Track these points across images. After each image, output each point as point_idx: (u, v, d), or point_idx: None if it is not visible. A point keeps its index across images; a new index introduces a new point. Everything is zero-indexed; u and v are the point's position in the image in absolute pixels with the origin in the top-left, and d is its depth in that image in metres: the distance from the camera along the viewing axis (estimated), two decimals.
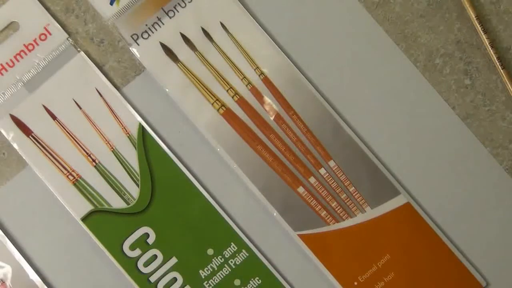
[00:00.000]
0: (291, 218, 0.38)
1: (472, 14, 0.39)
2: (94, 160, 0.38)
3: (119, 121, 0.38)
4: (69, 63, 0.38)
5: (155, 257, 0.37)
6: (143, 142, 0.38)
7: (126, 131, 0.38)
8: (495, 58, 0.39)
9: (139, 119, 0.38)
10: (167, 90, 0.38)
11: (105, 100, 0.38)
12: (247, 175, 0.38)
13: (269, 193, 0.38)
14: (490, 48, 0.39)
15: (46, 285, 0.37)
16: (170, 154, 0.38)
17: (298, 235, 0.38)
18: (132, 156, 0.38)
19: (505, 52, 0.40)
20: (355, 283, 0.38)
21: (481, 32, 0.39)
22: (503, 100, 0.40)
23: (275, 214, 0.38)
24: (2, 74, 0.38)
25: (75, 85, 0.38)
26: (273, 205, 0.38)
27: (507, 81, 0.39)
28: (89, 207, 0.37)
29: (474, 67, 0.40)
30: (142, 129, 0.38)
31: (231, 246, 0.38)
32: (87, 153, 0.38)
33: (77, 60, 0.38)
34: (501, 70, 0.39)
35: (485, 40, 0.39)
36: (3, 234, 0.37)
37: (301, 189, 0.38)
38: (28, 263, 0.37)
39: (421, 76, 0.40)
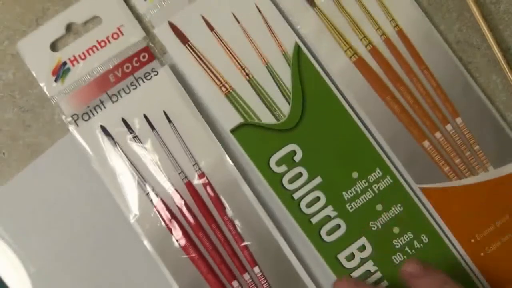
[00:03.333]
0: (414, 171, 0.38)
1: (476, 12, 0.39)
2: (247, 74, 0.38)
3: (276, 39, 0.38)
4: None
5: (300, 174, 0.37)
6: (298, 61, 0.38)
7: (282, 49, 0.38)
8: (500, 55, 0.39)
9: (296, 38, 0.38)
10: (301, 30, 0.39)
11: (264, 17, 0.38)
12: (374, 124, 0.38)
13: (395, 145, 0.38)
14: (495, 46, 0.39)
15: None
16: (324, 76, 0.38)
17: (419, 187, 0.38)
18: (285, 74, 0.38)
19: (505, 52, 0.40)
20: (472, 240, 0.38)
21: (486, 29, 0.39)
22: (503, 100, 0.40)
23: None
24: None
25: None
26: (398, 156, 0.38)
27: (511, 78, 0.39)
28: (239, 119, 0.37)
29: (474, 67, 0.40)
30: (298, 48, 0.38)
31: (376, 171, 0.38)
32: (241, 67, 0.38)
33: None
34: (505, 66, 0.39)
35: (490, 38, 0.39)
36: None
37: (426, 143, 0.39)
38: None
39: None
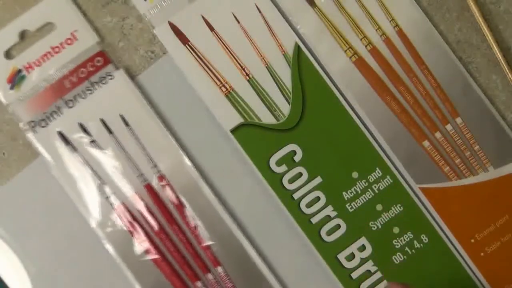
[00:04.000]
0: (414, 171, 0.38)
1: (476, 12, 0.39)
2: (247, 74, 0.38)
3: (276, 39, 0.38)
4: None
5: (300, 174, 0.37)
6: (298, 61, 0.38)
7: (282, 49, 0.38)
8: (500, 55, 0.39)
9: (296, 38, 0.38)
10: (301, 30, 0.39)
11: (264, 17, 0.38)
12: (374, 124, 0.38)
13: (395, 145, 0.38)
14: (495, 46, 0.39)
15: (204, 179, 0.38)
16: (324, 76, 0.38)
17: (419, 187, 0.38)
18: (285, 74, 0.38)
19: (505, 52, 0.40)
20: (472, 240, 0.38)
21: (486, 29, 0.39)
22: (503, 100, 0.40)
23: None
24: None
25: None
26: (398, 156, 0.38)
27: (511, 78, 0.39)
28: (239, 120, 0.37)
29: (474, 67, 0.40)
30: (298, 48, 0.38)
31: (376, 171, 0.38)
32: (241, 67, 0.38)
33: None
34: (505, 66, 0.39)
35: (490, 38, 0.39)
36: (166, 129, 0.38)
37: (426, 143, 0.39)
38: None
39: None
